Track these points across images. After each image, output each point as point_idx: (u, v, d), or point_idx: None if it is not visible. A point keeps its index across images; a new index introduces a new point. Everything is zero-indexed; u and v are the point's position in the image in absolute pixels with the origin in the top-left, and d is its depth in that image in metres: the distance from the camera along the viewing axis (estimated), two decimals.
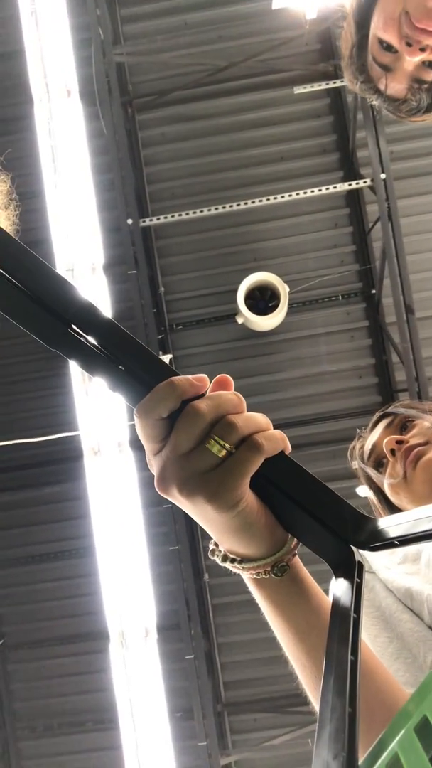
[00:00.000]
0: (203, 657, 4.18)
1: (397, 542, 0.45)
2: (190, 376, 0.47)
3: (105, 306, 3.81)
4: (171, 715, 3.81)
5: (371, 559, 0.93)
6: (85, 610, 4.58)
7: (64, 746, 4.76)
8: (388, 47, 0.98)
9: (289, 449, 0.48)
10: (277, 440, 0.47)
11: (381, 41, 0.99)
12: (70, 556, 4.68)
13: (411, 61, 0.95)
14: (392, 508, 1.05)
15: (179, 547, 4.09)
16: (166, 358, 3.99)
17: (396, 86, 1.01)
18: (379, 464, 1.09)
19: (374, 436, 1.11)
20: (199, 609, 4.25)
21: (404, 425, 1.08)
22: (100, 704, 4.55)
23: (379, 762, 0.34)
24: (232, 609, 4.51)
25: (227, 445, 0.45)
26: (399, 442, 1.02)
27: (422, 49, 0.93)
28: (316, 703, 0.53)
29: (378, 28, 0.99)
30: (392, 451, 1.03)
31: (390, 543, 0.45)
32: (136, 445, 3.66)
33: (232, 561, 0.51)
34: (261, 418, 0.48)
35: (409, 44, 0.94)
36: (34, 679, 4.78)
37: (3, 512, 4.72)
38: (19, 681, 4.82)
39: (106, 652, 3.84)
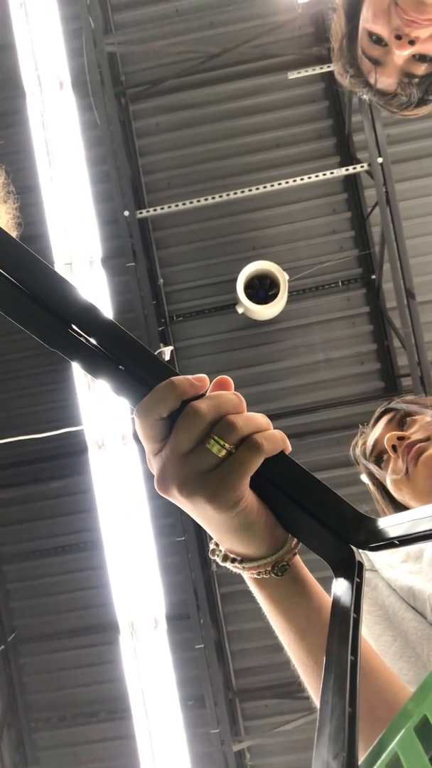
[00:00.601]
0: (213, 646, 4.22)
1: (397, 542, 0.45)
2: (190, 376, 0.47)
3: (104, 299, 3.79)
4: (183, 703, 3.85)
5: (374, 557, 0.93)
6: (94, 602, 4.61)
7: (78, 736, 4.82)
8: (378, 40, 0.96)
9: (289, 449, 0.48)
10: (276, 440, 0.47)
11: (371, 34, 0.96)
12: (78, 549, 4.71)
13: (400, 54, 0.93)
14: (395, 504, 1.05)
15: (186, 538, 4.11)
16: (167, 350, 3.98)
17: (386, 80, 0.98)
18: (380, 460, 1.09)
19: (376, 432, 1.11)
20: (208, 598, 4.28)
21: (405, 421, 1.08)
22: (113, 694, 4.60)
23: (379, 762, 0.34)
24: (240, 597, 4.54)
25: (227, 445, 0.45)
26: (400, 438, 1.02)
27: (411, 42, 0.90)
28: (317, 701, 0.53)
29: (367, 21, 0.96)
30: (393, 447, 1.03)
31: (390, 543, 0.45)
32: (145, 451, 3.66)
33: (233, 561, 0.51)
34: (261, 418, 0.48)
35: (398, 37, 0.91)
36: (47, 671, 4.83)
37: (10, 507, 4.74)
38: (31, 674, 4.88)
39: (116, 644, 3.87)
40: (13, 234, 0.61)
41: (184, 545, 4.12)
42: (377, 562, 0.92)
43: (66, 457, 4.56)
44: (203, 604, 4.16)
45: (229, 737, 4.22)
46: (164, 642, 3.76)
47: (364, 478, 1.22)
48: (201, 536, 4.38)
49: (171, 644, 3.77)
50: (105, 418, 3.72)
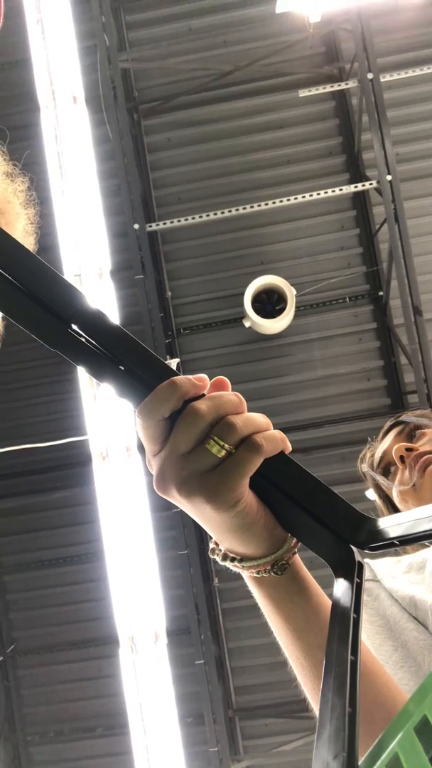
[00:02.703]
0: (213, 662, 4.17)
1: (397, 542, 0.45)
2: (191, 376, 0.47)
3: (112, 311, 3.82)
4: (181, 720, 3.80)
5: (376, 568, 0.93)
6: (94, 615, 4.58)
7: (75, 752, 4.76)
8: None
9: (288, 449, 0.48)
10: (276, 440, 0.47)
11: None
12: (79, 561, 4.68)
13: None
14: None
15: (188, 552, 4.08)
16: (174, 363, 3.99)
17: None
18: (388, 472, 1.09)
19: (384, 443, 1.11)
20: (209, 613, 4.24)
21: (415, 434, 1.08)
22: (111, 709, 4.55)
23: (379, 762, 0.34)
24: (242, 613, 4.50)
25: (227, 446, 0.45)
26: (408, 450, 1.02)
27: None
28: (313, 703, 0.53)
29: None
30: (401, 459, 1.02)
31: (390, 543, 0.45)
32: (145, 449, 3.65)
33: (232, 560, 0.51)
34: (260, 419, 0.48)
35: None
36: (45, 684, 4.79)
37: (12, 517, 4.73)
38: (29, 686, 4.83)
39: (116, 657, 3.83)
40: (30, 239, 0.62)
41: (186, 559, 4.09)
42: (379, 572, 0.91)
43: (70, 468, 4.56)
44: (204, 619, 4.12)
45: (227, 756, 4.16)
46: (164, 657, 3.72)
47: (369, 494, 1.21)
48: (203, 550, 4.36)
49: (171, 659, 3.73)
50: (110, 429, 3.72)
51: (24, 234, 0.61)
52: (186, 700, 4.17)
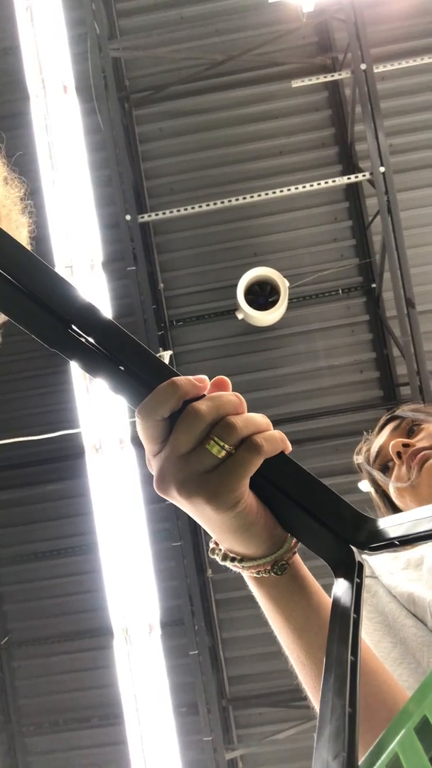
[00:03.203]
0: (207, 652, 4.20)
1: (397, 542, 0.45)
2: (191, 377, 0.47)
3: (104, 303, 3.80)
4: (176, 710, 3.83)
5: (375, 564, 0.93)
6: (88, 606, 4.59)
7: (70, 742, 4.79)
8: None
9: (289, 449, 0.48)
10: (276, 441, 0.47)
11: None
12: (73, 553, 4.69)
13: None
14: (397, 512, 1.05)
15: (182, 543, 4.10)
16: (167, 355, 3.98)
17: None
18: (384, 467, 1.09)
19: (381, 439, 1.11)
20: (203, 604, 4.26)
21: (411, 429, 1.08)
22: (105, 700, 4.58)
23: (379, 762, 0.34)
24: (235, 604, 4.52)
25: (227, 446, 0.45)
26: (405, 446, 1.02)
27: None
28: (315, 702, 0.53)
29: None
30: (398, 455, 1.03)
31: (390, 543, 0.45)
32: (138, 441, 3.64)
33: (232, 560, 0.51)
34: (261, 419, 0.48)
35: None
36: (39, 675, 4.80)
37: (5, 510, 4.73)
38: (24, 678, 4.85)
39: (110, 649, 3.85)
40: (28, 247, 0.61)
41: (179, 550, 4.11)
42: (378, 569, 0.92)
43: (63, 460, 4.55)
44: (198, 610, 4.14)
45: (221, 745, 4.20)
46: (158, 647, 3.74)
47: (362, 486, 1.21)
48: (197, 542, 4.37)
49: (165, 650, 3.75)
50: (103, 422, 3.72)
51: (23, 243, 0.60)
52: (180, 690, 4.20)
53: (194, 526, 4.30)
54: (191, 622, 4.11)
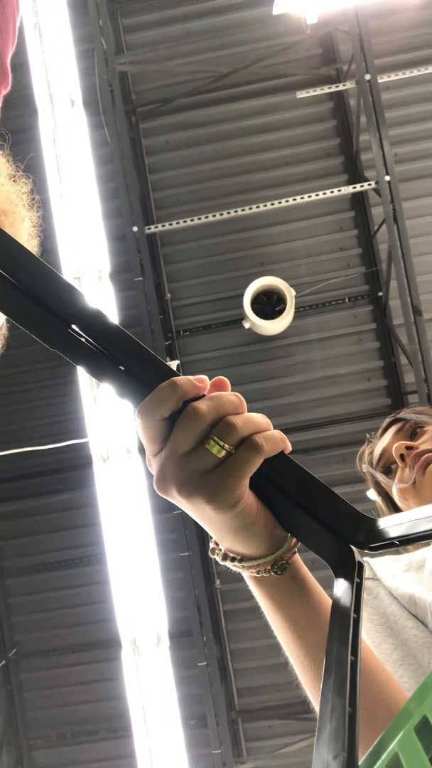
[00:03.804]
0: (216, 664, 4.16)
1: (397, 542, 0.45)
2: (191, 377, 0.47)
3: (112, 313, 3.82)
4: (184, 722, 3.79)
5: (376, 566, 0.93)
6: (96, 618, 4.57)
7: (78, 755, 4.75)
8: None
9: (288, 449, 0.48)
10: (276, 440, 0.47)
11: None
12: (80, 564, 4.68)
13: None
14: None
15: (190, 554, 4.08)
16: (174, 365, 3.99)
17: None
18: (388, 470, 1.08)
19: (384, 441, 1.11)
20: (211, 615, 4.24)
21: (414, 431, 1.08)
22: (113, 712, 4.54)
23: (379, 762, 0.34)
24: (244, 615, 4.49)
25: (227, 446, 0.45)
26: (409, 448, 1.02)
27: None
28: (314, 702, 0.53)
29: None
30: (402, 457, 1.02)
31: (390, 543, 0.45)
32: (145, 451, 3.65)
33: (232, 560, 0.51)
34: (260, 419, 0.48)
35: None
36: (47, 687, 4.78)
37: (13, 521, 4.73)
38: (32, 690, 4.82)
39: (118, 660, 3.83)
40: (34, 242, 0.62)
41: (187, 561, 4.09)
42: (379, 571, 0.91)
43: (71, 471, 4.55)
44: (206, 621, 4.11)
45: (230, 758, 4.15)
46: (166, 659, 3.72)
47: (370, 495, 1.21)
48: (204, 552, 4.35)
49: (173, 662, 3.72)
50: (110, 432, 3.72)
51: (28, 237, 0.61)
52: (189, 702, 4.16)
53: (202, 536, 4.29)
54: (199, 633, 4.08)
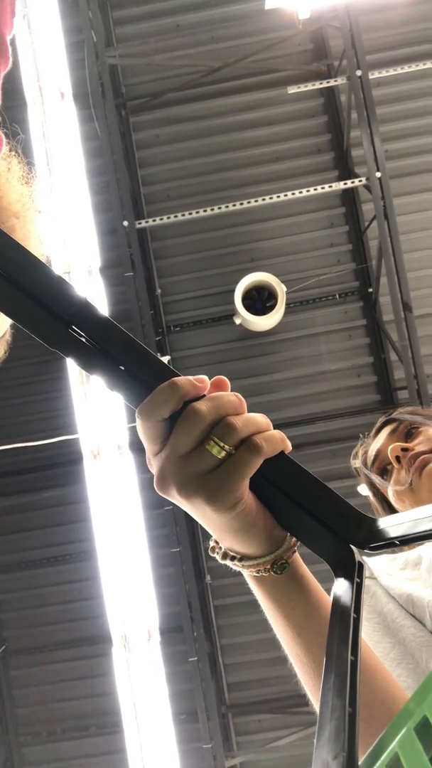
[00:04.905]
0: (206, 659, 4.17)
1: (397, 542, 0.45)
2: (191, 377, 0.47)
3: (102, 308, 3.80)
4: (175, 717, 3.80)
5: (373, 565, 0.93)
6: (86, 614, 4.57)
7: (68, 751, 4.75)
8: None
9: (288, 449, 0.48)
10: (276, 441, 0.47)
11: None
12: (71, 560, 4.67)
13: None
14: None
15: (180, 549, 4.08)
16: (164, 360, 3.98)
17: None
18: (383, 471, 1.08)
19: (378, 441, 1.10)
20: (202, 611, 4.25)
21: (409, 432, 1.07)
22: (104, 708, 4.55)
23: (379, 762, 0.34)
24: (234, 610, 4.51)
25: (227, 447, 0.45)
26: (404, 450, 1.02)
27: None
28: (314, 700, 0.53)
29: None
30: (397, 459, 1.02)
31: (390, 543, 0.45)
32: (136, 447, 3.65)
33: (232, 558, 0.51)
34: (261, 419, 0.48)
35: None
36: (37, 684, 4.77)
37: (3, 517, 4.71)
38: (21, 686, 4.81)
39: (108, 656, 3.83)
40: (44, 246, 0.62)
41: (178, 556, 4.09)
42: (376, 569, 0.91)
43: (61, 467, 4.54)
44: (197, 616, 4.12)
45: (221, 753, 4.17)
46: (157, 655, 3.72)
47: (361, 490, 1.21)
48: (196, 548, 4.36)
49: (164, 657, 3.73)
50: (101, 428, 3.71)
51: (39, 239, 0.61)
52: (179, 698, 4.17)
53: (193, 532, 4.29)
54: (190, 629, 4.09)
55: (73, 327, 0.47)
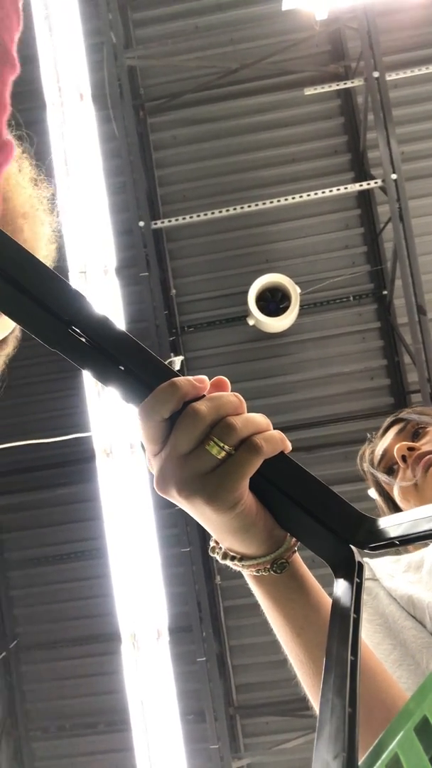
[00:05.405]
0: (215, 659, 4.17)
1: (397, 542, 0.45)
2: (191, 377, 0.47)
3: (117, 308, 3.82)
4: (183, 717, 3.80)
5: (375, 567, 0.93)
6: (97, 611, 4.59)
7: (77, 747, 4.77)
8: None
9: (288, 449, 0.48)
10: (276, 441, 0.47)
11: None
12: (82, 557, 4.70)
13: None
14: None
15: (191, 549, 4.09)
16: (178, 360, 3.99)
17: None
18: (389, 470, 1.08)
19: (385, 441, 1.10)
20: (211, 611, 4.25)
21: (416, 432, 1.07)
22: (112, 706, 4.56)
23: (379, 762, 0.34)
24: (243, 611, 4.50)
25: (226, 447, 0.46)
26: (411, 449, 1.02)
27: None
28: (313, 700, 0.53)
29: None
30: (404, 458, 1.02)
31: (390, 543, 0.45)
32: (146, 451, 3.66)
33: (232, 558, 0.51)
34: (260, 419, 0.48)
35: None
36: (47, 680, 4.80)
37: (16, 513, 4.75)
38: (32, 682, 4.85)
39: (118, 654, 3.84)
40: (52, 247, 0.63)
41: (188, 556, 4.10)
42: (378, 571, 0.91)
43: (74, 465, 4.57)
44: (206, 616, 4.13)
45: (228, 754, 4.17)
46: (166, 654, 3.73)
47: (372, 493, 1.21)
48: (205, 548, 4.34)
49: (172, 656, 3.74)
50: (114, 426, 3.73)
51: (47, 241, 0.62)
52: (187, 697, 4.17)
53: (203, 533, 4.28)
54: (199, 629, 4.09)
55: (73, 327, 0.47)
